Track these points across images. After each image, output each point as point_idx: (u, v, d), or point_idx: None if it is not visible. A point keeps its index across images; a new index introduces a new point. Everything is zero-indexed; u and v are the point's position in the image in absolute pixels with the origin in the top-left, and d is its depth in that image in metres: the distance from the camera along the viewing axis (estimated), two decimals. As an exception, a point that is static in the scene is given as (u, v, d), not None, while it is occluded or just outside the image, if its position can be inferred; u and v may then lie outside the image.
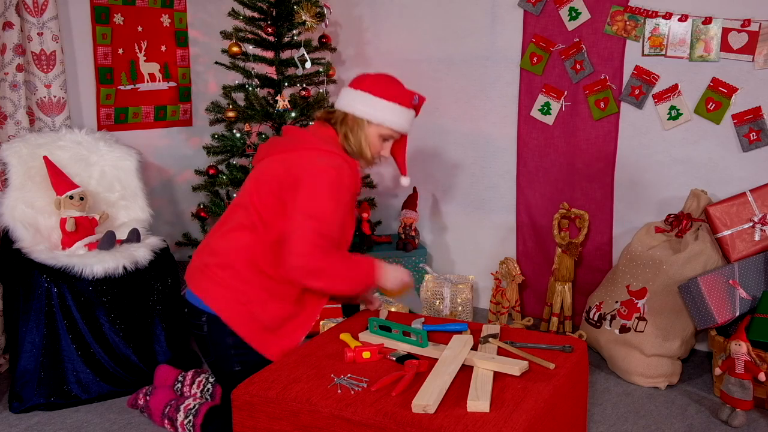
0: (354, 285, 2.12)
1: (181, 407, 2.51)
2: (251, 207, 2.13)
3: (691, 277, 2.91)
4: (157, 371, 2.84)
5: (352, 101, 2.21)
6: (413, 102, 2.24)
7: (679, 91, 3.26)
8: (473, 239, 4.00)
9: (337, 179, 2.05)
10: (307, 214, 2.01)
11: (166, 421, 2.57)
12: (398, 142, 2.32)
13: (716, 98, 3.17)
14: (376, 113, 2.18)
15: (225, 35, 3.53)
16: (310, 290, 2.15)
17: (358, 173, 2.20)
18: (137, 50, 3.66)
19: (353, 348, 2.00)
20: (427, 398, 1.69)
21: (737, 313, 2.85)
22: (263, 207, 2.10)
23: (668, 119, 3.31)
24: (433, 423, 1.61)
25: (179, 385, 2.74)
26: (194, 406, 2.48)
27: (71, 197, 3.00)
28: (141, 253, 2.98)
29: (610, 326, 3.13)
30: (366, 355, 1.97)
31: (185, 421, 2.46)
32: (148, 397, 2.68)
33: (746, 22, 3.06)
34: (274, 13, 3.52)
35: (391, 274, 2.21)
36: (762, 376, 2.59)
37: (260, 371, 1.94)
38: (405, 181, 2.40)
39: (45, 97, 3.21)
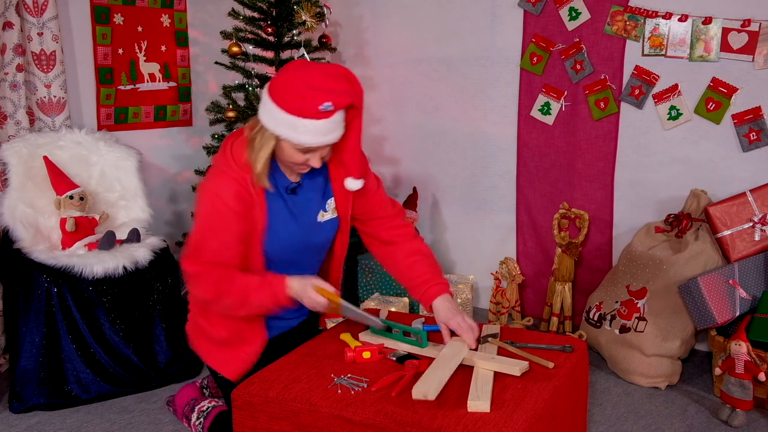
0: (244, 299, 1.95)
1: (196, 407, 2.50)
2: None
3: (691, 277, 2.91)
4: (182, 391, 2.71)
5: (261, 108, 1.90)
6: (320, 111, 1.79)
7: (679, 91, 3.26)
8: (473, 239, 4.00)
9: (212, 207, 1.92)
10: (193, 235, 1.97)
11: (184, 419, 2.57)
12: (345, 141, 1.95)
13: (716, 98, 3.17)
14: (277, 127, 1.84)
15: (225, 35, 3.53)
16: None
17: (248, 192, 1.92)
18: (137, 50, 3.66)
19: (353, 348, 2.00)
20: (428, 385, 1.69)
21: (737, 313, 2.85)
22: None
23: (668, 119, 3.31)
24: (433, 423, 1.61)
25: (206, 381, 2.74)
26: (207, 408, 2.47)
27: (71, 197, 3.01)
28: (141, 253, 2.98)
29: (610, 326, 3.13)
30: (366, 355, 1.97)
31: (196, 422, 2.46)
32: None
33: (746, 22, 3.06)
34: (274, 13, 3.52)
35: (296, 286, 1.96)
36: (762, 376, 2.59)
37: (260, 371, 1.94)
38: (350, 184, 2.01)
39: (45, 97, 3.21)
